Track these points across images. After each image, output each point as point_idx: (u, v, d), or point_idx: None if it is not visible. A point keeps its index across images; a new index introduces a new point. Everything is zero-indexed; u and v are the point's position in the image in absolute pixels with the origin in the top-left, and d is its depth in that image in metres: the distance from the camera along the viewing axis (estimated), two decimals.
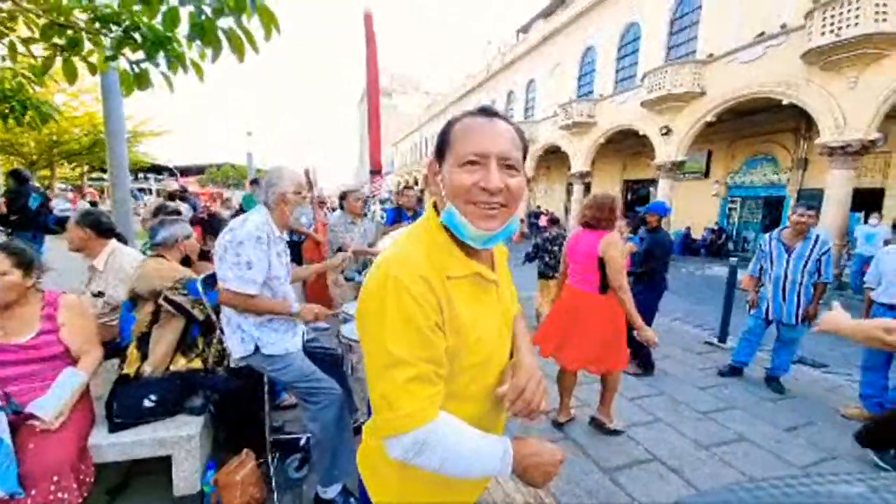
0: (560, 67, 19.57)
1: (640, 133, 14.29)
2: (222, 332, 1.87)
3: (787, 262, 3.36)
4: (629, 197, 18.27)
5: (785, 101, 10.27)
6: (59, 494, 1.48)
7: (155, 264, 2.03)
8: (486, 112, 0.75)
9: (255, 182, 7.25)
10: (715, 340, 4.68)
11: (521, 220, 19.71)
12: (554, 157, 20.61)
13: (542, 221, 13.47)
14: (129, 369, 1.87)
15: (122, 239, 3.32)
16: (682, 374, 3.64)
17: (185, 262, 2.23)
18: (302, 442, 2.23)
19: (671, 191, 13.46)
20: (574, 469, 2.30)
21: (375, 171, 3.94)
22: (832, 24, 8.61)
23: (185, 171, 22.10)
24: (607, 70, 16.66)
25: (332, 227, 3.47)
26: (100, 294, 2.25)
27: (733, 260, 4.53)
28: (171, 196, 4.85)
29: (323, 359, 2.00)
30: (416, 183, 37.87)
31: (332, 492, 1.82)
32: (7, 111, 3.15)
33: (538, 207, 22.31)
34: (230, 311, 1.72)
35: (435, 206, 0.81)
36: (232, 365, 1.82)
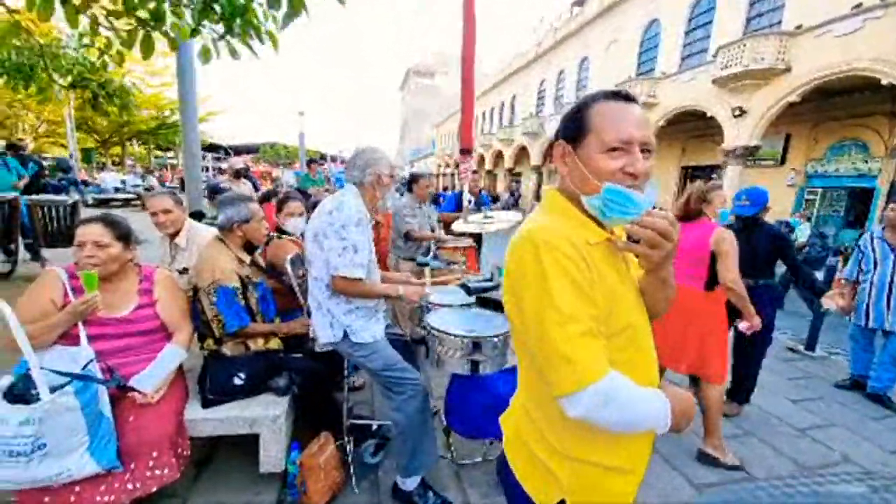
0: (617, 43, 18.29)
1: (707, 115, 13.12)
2: (308, 314, 1.84)
3: (894, 263, 3.00)
4: (686, 184, 17.05)
5: (884, 81, 9.00)
6: (157, 471, 1.46)
7: (205, 253, 1.86)
8: (625, 97, 0.76)
9: (311, 163, 7.38)
10: (800, 347, 4.24)
11: None
12: None
13: None
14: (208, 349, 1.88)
15: (201, 216, 3.42)
16: (771, 384, 3.30)
17: (250, 247, 2.00)
18: (374, 427, 2.21)
19: (739, 179, 12.33)
20: (664, 484, 2.12)
21: (466, 151, 3.57)
22: None
23: (238, 150, 22.88)
24: (673, 45, 15.33)
25: (398, 212, 3.37)
26: (184, 271, 2.28)
27: (833, 259, 4.03)
28: (237, 174, 4.95)
29: (400, 347, 1.93)
30: (448, 167, 37.74)
31: (410, 483, 1.77)
32: (90, 97, 3.24)
33: None
34: (321, 296, 1.67)
35: (559, 189, 0.85)
36: (316, 349, 1.78)
